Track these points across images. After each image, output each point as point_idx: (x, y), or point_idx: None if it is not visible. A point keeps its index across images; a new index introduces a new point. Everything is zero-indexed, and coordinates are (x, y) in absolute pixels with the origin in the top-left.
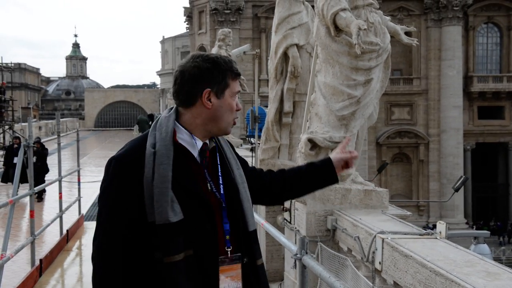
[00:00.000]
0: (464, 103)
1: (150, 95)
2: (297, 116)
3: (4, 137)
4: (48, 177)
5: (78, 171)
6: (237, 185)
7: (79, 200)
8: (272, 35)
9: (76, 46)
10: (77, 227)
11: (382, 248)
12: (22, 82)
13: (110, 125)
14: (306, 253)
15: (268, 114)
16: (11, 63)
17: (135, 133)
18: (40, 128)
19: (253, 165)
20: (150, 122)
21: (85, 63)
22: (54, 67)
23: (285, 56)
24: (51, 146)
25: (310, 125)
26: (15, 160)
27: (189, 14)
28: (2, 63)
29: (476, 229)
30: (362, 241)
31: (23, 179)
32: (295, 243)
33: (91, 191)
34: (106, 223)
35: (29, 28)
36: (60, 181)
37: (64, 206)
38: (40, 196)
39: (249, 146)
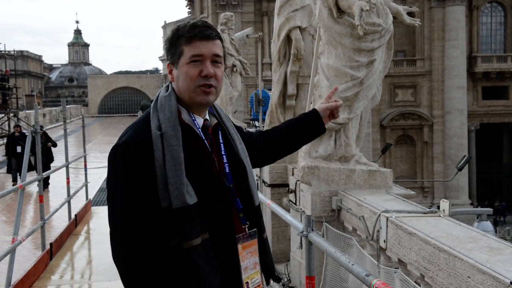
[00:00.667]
0: (468, 84)
1: (153, 80)
2: (301, 98)
3: (9, 125)
4: (53, 164)
5: (85, 157)
6: (242, 161)
7: (86, 185)
8: (274, 18)
9: (78, 32)
10: (85, 212)
11: (387, 226)
12: (25, 69)
13: (114, 111)
14: (312, 230)
15: (272, 97)
16: (13, 50)
17: None
18: (44, 115)
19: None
20: None
21: (87, 49)
22: (56, 54)
23: (288, 38)
24: (56, 133)
25: (314, 107)
26: (18, 149)
27: None
28: (5, 51)
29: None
30: (367, 220)
31: (29, 167)
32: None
33: (97, 177)
34: (122, 214)
35: (31, 16)
36: (67, 167)
37: (71, 192)
38: (45, 185)
39: (254, 129)
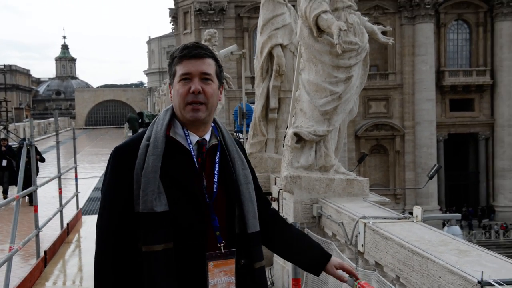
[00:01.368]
0: (437, 96)
1: (138, 93)
2: (282, 111)
3: None
4: (43, 174)
5: (75, 168)
6: (239, 186)
7: (77, 196)
8: (257, 36)
9: (65, 47)
10: (76, 220)
11: (364, 231)
12: (13, 83)
13: (101, 124)
14: None
15: (255, 110)
16: (3, 65)
17: (125, 131)
18: (33, 127)
19: None
20: (140, 120)
21: (74, 63)
22: (44, 68)
23: (270, 55)
24: (45, 145)
25: (296, 120)
26: (4, 162)
27: (174, 15)
28: None
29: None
30: (346, 226)
31: (13, 181)
32: None
33: (86, 187)
34: (101, 209)
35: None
36: (59, 178)
37: (63, 202)
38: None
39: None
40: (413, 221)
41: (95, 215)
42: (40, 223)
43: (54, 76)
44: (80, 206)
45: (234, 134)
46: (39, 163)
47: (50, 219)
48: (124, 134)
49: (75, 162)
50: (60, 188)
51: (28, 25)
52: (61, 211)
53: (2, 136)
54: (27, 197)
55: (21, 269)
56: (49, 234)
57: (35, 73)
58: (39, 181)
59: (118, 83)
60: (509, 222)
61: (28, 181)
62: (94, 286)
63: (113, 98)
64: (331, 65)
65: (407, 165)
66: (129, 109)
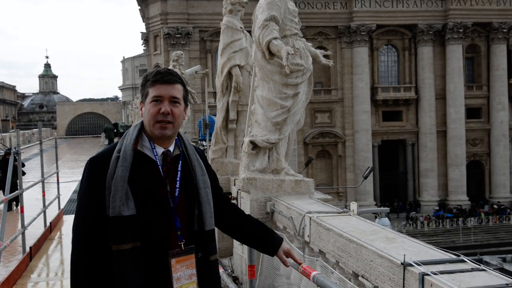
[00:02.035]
0: (372, 109)
1: (113, 106)
2: (240, 122)
3: None
4: (27, 178)
5: (57, 173)
6: (198, 190)
7: (59, 197)
8: (218, 58)
9: (47, 66)
10: (58, 219)
11: (310, 224)
12: (0, 98)
13: (79, 133)
14: None
15: (217, 122)
16: None
17: (102, 140)
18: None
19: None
20: (115, 130)
21: (56, 80)
22: (28, 84)
23: (229, 74)
24: (29, 152)
25: (251, 130)
26: None
27: (145, 38)
28: None
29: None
30: (294, 220)
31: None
32: None
33: (66, 190)
34: (77, 213)
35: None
36: (43, 182)
37: (46, 203)
38: (10, 206)
39: (201, 148)
40: (350, 215)
41: None
42: (26, 222)
43: (38, 91)
44: (62, 206)
45: (199, 142)
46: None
47: (35, 218)
48: (101, 143)
49: (57, 168)
50: (43, 191)
51: (14, 45)
52: (44, 212)
53: None
54: (14, 206)
55: (9, 263)
56: (34, 232)
57: (20, 89)
58: (24, 185)
59: (96, 97)
60: (431, 214)
61: (14, 187)
62: (70, 281)
63: (91, 111)
64: (281, 83)
65: (347, 167)
66: (106, 121)
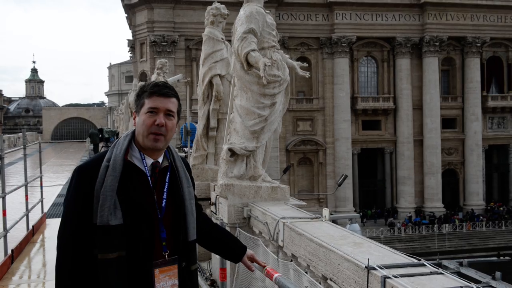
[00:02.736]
0: (352, 118)
1: (99, 112)
2: (221, 130)
3: None
4: (12, 182)
5: (41, 177)
6: (184, 201)
7: (42, 201)
8: (200, 67)
9: (34, 71)
10: (40, 223)
11: (283, 229)
12: None
13: (65, 138)
14: None
15: (198, 129)
16: None
17: (87, 144)
18: (4, 141)
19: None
20: (100, 135)
21: (42, 85)
22: (15, 89)
23: (210, 83)
24: (14, 156)
25: (230, 138)
26: None
27: (132, 45)
28: None
29: (362, 214)
30: (269, 225)
31: None
32: None
33: (50, 194)
34: (63, 220)
35: None
36: (26, 186)
37: (29, 207)
38: None
39: (183, 154)
40: (322, 220)
41: (59, 218)
42: (8, 226)
43: (24, 95)
44: (45, 210)
45: (180, 148)
46: (11, 169)
47: (17, 222)
48: (86, 147)
49: (41, 172)
50: (26, 195)
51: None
52: (27, 215)
53: None
54: None
55: None
56: (16, 235)
57: (6, 93)
58: (7, 189)
59: (82, 102)
60: (408, 221)
61: None
62: (55, 286)
63: (77, 116)
64: (258, 93)
65: (328, 174)
66: (91, 126)
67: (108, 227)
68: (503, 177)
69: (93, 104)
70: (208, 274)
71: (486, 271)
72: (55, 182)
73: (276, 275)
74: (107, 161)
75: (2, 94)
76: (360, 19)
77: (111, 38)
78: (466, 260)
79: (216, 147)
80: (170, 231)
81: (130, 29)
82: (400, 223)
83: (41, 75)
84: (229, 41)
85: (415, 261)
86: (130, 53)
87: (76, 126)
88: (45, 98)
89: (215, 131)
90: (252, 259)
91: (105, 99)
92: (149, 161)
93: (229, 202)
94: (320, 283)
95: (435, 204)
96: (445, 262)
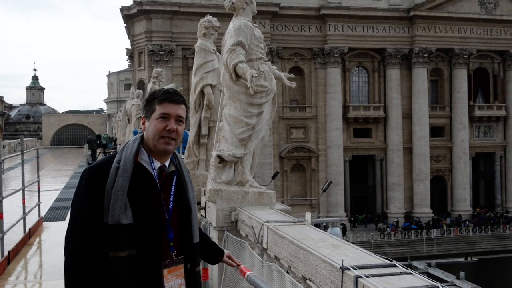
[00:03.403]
0: (343, 126)
1: (98, 119)
2: (212, 137)
3: None
4: (11, 186)
5: (38, 182)
6: (190, 204)
7: (39, 205)
8: (192, 77)
9: (35, 78)
10: (37, 226)
11: (267, 232)
12: None
13: (64, 144)
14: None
15: (190, 136)
16: None
17: (85, 150)
18: (4, 146)
19: None
20: (98, 142)
21: (43, 92)
22: (16, 95)
23: (202, 93)
24: (14, 161)
25: (219, 145)
26: None
27: (130, 54)
28: None
29: (353, 220)
30: (255, 229)
31: None
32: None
33: (49, 198)
34: (73, 220)
35: None
36: (23, 190)
37: (26, 210)
38: None
39: None
40: (304, 224)
41: (56, 222)
42: (5, 228)
43: (25, 102)
44: (43, 214)
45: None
46: (10, 174)
47: (14, 224)
48: (84, 153)
49: (38, 177)
50: (23, 199)
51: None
52: (24, 218)
53: None
54: None
55: None
56: (13, 237)
57: (8, 100)
58: (6, 192)
59: (82, 109)
60: (400, 226)
61: None
62: (65, 285)
63: (76, 122)
64: (246, 103)
65: (320, 180)
66: (90, 132)
67: (120, 226)
68: (489, 184)
69: (93, 111)
70: None
71: (456, 272)
72: (53, 186)
73: (248, 273)
74: (117, 162)
75: (4, 101)
76: (352, 31)
77: (110, 47)
78: (434, 261)
79: (207, 154)
80: (177, 232)
81: (129, 38)
82: (390, 228)
83: (42, 83)
84: (220, 52)
85: (387, 262)
86: (129, 62)
87: (75, 132)
88: (45, 104)
89: (206, 138)
90: (230, 257)
91: (104, 106)
92: (157, 164)
93: (217, 206)
94: (300, 283)
95: (424, 210)
96: (415, 263)
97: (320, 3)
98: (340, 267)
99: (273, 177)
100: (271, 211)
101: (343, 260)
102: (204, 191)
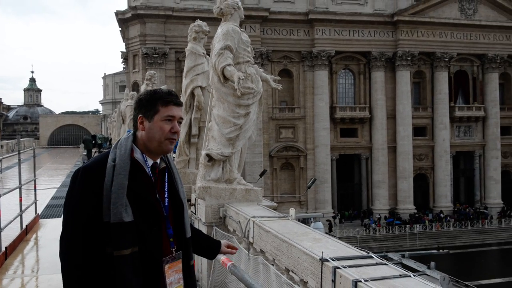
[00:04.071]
0: (331, 126)
1: (93, 119)
2: (202, 137)
3: None
4: (8, 185)
5: (35, 180)
6: (182, 200)
7: (35, 203)
8: (183, 79)
9: (32, 80)
10: (34, 223)
11: (253, 227)
12: None
13: (61, 144)
14: None
15: (180, 136)
16: None
17: (81, 150)
18: (2, 146)
19: None
20: (93, 142)
21: (40, 93)
22: (14, 97)
23: (192, 94)
24: (11, 161)
25: (208, 144)
26: None
27: (125, 57)
28: None
29: (340, 216)
30: (242, 224)
31: None
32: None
33: (45, 196)
34: (70, 221)
35: None
36: (20, 188)
37: (23, 207)
38: None
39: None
40: (288, 219)
41: (53, 219)
42: (2, 225)
43: (23, 103)
44: (39, 211)
45: None
46: (8, 172)
47: (11, 221)
48: (80, 153)
49: (35, 176)
50: (20, 197)
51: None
52: (21, 215)
53: None
54: None
55: None
56: (11, 234)
57: (6, 101)
58: (2, 191)
59: (78, 110)
60: (382, 221)
61: None
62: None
63: (72, 123)
64: (234, 104)
65: (308, 178)
66: (86, 132)
67: (122, 224)
68: (469, 181)
69: (88, 112)
70: None
71: (428, 262)
72: (49, 185)
73: (229, 263)
74: (112, 161)
75: (2, 102)
76: (339, 35)
77: (106, 50)
78: (407, 252)
79: (197, 153)
80: (174, 228)
81: (123, 42)
82: (375, 224)
83: (39, 84)
84: (210, 55)
85: (364, 253)
86: (124, 64)
87: (71, 132)
88: (42, 106)
89: (197, 138)
90: (228, 246)
91: (100, 107)
92: (150, 162)
93: (206, 203)
94: (284, 275)
95: (407, 206)
96: (390, 255)
97: (308, 8)
98: (320, 259)
99: (261, 175)
100: (257, 207)
101: (322, 252)
102: (194, 188)
